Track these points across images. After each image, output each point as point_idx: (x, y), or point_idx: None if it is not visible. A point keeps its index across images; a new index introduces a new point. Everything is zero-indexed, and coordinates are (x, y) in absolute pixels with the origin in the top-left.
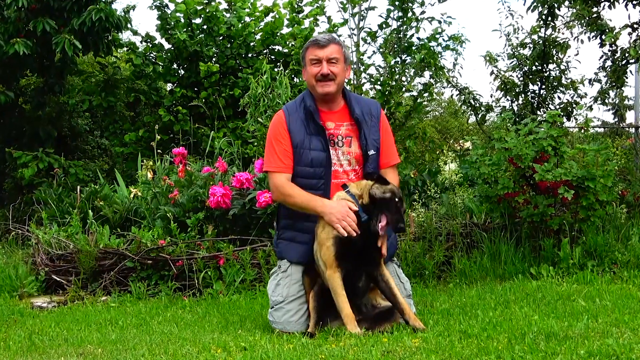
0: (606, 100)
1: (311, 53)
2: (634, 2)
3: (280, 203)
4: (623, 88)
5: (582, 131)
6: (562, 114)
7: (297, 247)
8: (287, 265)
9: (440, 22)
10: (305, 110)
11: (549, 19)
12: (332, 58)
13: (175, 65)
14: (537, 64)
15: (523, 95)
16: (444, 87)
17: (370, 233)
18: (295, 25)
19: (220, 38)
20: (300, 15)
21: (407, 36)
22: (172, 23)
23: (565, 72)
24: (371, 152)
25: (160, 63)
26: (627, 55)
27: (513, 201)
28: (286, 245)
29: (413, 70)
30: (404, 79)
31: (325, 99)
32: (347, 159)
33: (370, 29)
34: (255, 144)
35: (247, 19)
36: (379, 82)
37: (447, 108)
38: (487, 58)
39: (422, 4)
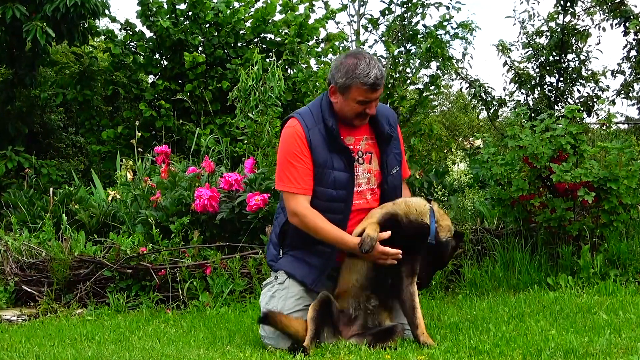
0: (630, 94)
1: (360, 93)
2: None
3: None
4: None
5: (604, 128)
6: (582, 108)
7: (305, 267)
8: (285, 277)
9: (448, 7)
10: (326, 127)
11: (568, 4)
12: (379, 98)
13: (157, 56)
14: (554, 53)
15: (539, 88)
16: (452, 80)
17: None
18: (289, 12)
19: (207, 25)
20: (295, 1)
21: (412, 23)
22: (154, 9)
23: (586, 63)
24: (395, 169)
25: (141, 53)
26: None
27: (528, 204)
28: (291, 262)
29: (418, 60)
30: (408, 70)
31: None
32: (366, 177)
33: (371, 15)
34: (245, 141)
35: (236, 4)
36: None
37: (455, 102)
38: (500, 47)
39: None
